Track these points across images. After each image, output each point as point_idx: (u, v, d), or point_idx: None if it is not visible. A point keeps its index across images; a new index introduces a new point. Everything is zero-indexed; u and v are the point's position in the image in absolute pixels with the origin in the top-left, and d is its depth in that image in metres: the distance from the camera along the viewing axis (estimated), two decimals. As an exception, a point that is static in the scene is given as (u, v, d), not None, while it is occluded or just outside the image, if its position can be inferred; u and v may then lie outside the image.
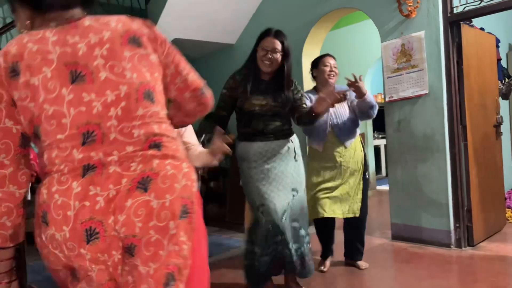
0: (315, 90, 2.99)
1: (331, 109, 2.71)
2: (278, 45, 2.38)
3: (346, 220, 2.98)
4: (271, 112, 2.40)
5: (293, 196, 2.42)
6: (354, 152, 2.89)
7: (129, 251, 1.00)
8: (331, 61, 2.94)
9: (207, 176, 4.80)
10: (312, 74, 3.02)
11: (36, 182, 2.59)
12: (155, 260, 1.00)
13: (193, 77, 1.26)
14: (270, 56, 2.37)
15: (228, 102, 2.43)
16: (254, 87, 2.38)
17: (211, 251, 3.57)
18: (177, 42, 5.03)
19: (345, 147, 2.86)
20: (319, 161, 2.90)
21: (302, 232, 2.43)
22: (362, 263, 2.96)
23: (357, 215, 2.89)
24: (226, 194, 4.58)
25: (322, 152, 2.87)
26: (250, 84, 2.38)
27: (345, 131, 2.86)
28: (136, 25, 1.09)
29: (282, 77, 2.42)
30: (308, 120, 2.41)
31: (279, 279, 2.55)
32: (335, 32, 6.59)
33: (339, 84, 2.97)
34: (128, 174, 0.99)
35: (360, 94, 2.70)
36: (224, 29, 4.90)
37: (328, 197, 2.86)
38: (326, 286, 2.67)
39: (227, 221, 4.43)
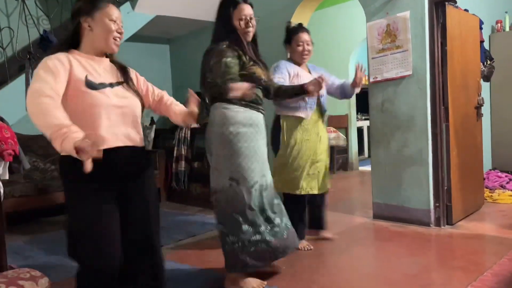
0: (291, 61, 2.93)
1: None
2: (252, 12, 2.31)
3: (312, 195, 2.94)
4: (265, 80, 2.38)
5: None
6: (325, 127, 2.98)
7: None
8: (306, 39, 2.86)
9: (190, 156, 4.77)
10: (285, 47, 2.98)
11: (14, 161, 2.54)
12: None
13: None
14: (251, 23, 2.29)
15: (236, 70, 2.26)
16: (245, 56, 2.30)
17: (195, 230, 3.59)
18: (160, 20, 4.91)
19: (323, 120, 2.93)
20: (304, 131, 2.82)
21: (282, 207, 2.49)
22: (328, 233, 3.08)
23: (327, 190, 2.99)
24: (209, 175, 4.56)
25: (308, 123, 2.82)
26: (248, 53, 2.31)
27: (325, 104, 2.95)
28: None
29: (256, 46, 2.40)
30: (295, 94, 2.41)
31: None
32: (320, 11, 6.55)
33: (314, 64, 3.06)
34: None
35: (358, 83, 2.90)
36: (209, 7, 4.79)
37: (308, 174, 2.85)
38: (308, 265, 2.71)
39: (211, 201, 4.43)
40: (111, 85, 1.66)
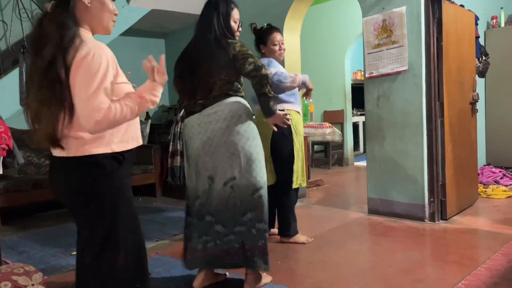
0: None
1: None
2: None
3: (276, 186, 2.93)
4: None
5: None
6: None
7: None
8: (281, 38, 2.92)
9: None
10: (258, 47, 2.95)
11: (8, 155, 2.52)
12: None
13: None
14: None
15: None
16: None
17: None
18: (155, 14, 4.88)
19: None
20: (301, 124, 2.95)
21: None
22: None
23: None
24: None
25: (300, 116, 2.95)
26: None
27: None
28: None
29: None
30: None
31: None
32: (317, 7, 6.53)
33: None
34: None
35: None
36: (204, 1, 4.77)
37: (300, 165, 2.95)
38: (302, 260, 2.71)
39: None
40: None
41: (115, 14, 1.56)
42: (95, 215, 1.47)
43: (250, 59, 2.12)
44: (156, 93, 1.49)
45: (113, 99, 1.38)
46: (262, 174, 2.17)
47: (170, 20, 5.25)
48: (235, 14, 2.31)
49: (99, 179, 1.45)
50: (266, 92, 2.15)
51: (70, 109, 1.36)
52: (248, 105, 2.23)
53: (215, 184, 2.15)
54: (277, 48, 2.88)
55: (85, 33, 1.44)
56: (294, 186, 2.92)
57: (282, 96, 2.82)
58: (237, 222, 2.14)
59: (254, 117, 2.34)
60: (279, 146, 2.85)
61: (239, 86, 2.24)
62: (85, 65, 1.33)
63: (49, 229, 3.69)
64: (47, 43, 1.34)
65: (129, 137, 1.51)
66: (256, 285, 2.22)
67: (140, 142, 1.57)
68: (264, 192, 2.16)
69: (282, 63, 3.00)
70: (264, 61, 2.82)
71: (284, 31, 4.27)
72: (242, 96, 2.24)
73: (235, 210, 2.14)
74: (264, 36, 2.92)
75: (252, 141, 2.17)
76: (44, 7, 1.46)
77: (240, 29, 2.34)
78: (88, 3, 1.46)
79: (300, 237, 2.97)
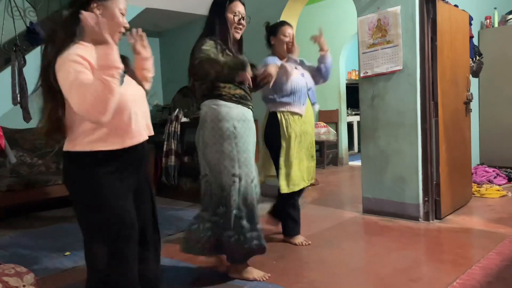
0: (275, 55, 2.92)
1: (305, 73, 2.91)
2: (245, 12, 2.36)
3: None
4: None
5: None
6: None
7: None
8: (292, 32, 2.90)
9: (180, 151, 4.74)
10: (268, 41, 2.95)
11: (0, 155, 2.48)
12: None
13: None
14: (243, 22, 2.33)
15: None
16: (230, 51, 2.29)
17: (185, 226, 3.56)
18: (149, 12, 4.85)
19: (312, 113, 2.96)
20: (301, 126, 2.83)
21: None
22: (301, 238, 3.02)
23: (313, 181, 2.98)
24: (199, 169, 4.54)
25: (303, 117, 2.84)
26: (231, 48, 2.30)
27: (314, 96, 2.96)
28: None
29: (241, 47, 2.41)
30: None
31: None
32: (312, 6, 6.53)
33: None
34: None
35: (323, 48, 2.89)
36: (199, 0, 4.75)
37: (301, 168, 2.86)
38: (297, 260, 2.71)
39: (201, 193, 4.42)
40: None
41: (125, 27, 1.61)
42: (73, 205, 1.61)
43: (197, 55, 2.11)
44: (109, 56, 1.43)
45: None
46: (227, 174, 2.23)
47: (164, 19, 5.22)
48: (235, 6, 2.30)
49: (76, 172, 1.55)
50: (212, 72, 2.10)
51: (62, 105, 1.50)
52: (219, 108, 2.22)
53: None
54: (287, 39, 2.86)
55: (79, 45, 1.51)
56: (283, 191, 2.78)
57: (276, 97, 2.79)
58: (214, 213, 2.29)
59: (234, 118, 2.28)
60: (268, 147, 2.89)
61: (218, 86, 2.23)
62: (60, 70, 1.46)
63: (41, 230, 3.66)
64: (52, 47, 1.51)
65: (109, 137, 1.53)
66: (238, 276, 2.36)
67: (125, 144, 1.56)
68: (230, 190, 2.23)
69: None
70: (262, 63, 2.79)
71: (279, 31, 4.26)
72: (224, 96, 2.22)
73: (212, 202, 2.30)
74: (275, 28, 2.92)
75: (212, 147, 2.24)
76: (63, 15, 1.59)
77: (242, 21, 2.32)
78: (99, 14, 1.53)
79: (297, 239, 2.96)
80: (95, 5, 1.55)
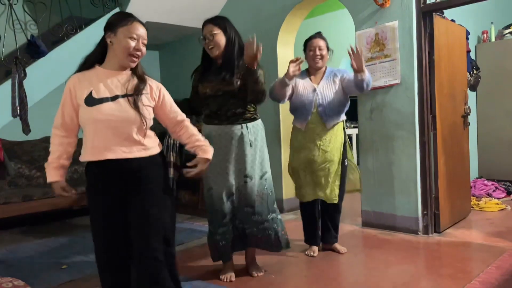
0: (306, 71, 2.97)
1: (317, 89, 2.87)
2: (213, 29, 2.44)
3: (323, 205, 3.00)
4: (221, 92, 2.44)
5: (245, 182, 2.48)
6: (335, 137, 2.87)
7: None
8: (317, 44, 2.91)
9: (179, 163, 4.73)
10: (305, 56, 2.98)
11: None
12: None
13: None
14: (207, 41, 2.45)
15: (196, 92, 2.60)
16: (207, 72, 2.52)
17: (184, 238, 3.55)
18: (149, 26, 4.90)
19: (326, 129, 2.83)
20: (300, 140, 2.91)
21: (257, 217, 2.50)
22: (338, 246, 3.03)
23: (336, 201, 2.91)
24: (198, 182, 4.53)
25: (304, 132, 2.88)
26: (202, 69, 2.56)
27: (329, 112, 2.84)
28: None
29: (231, 58, 2.46)
30: (252, 81, 2.37)
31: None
32: (310, 20, 6.58)
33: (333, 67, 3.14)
34: None
35: (359, 65, 2.66)
36: (199, 14, 4.79)
37: (307, 181, 2.91)
38: (296, 273, 2.69)
39: (200, 208, 4.40)
40: (115, 97, 1.71)
41: (137, 50, 1.74)
42: None
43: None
44: None
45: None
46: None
47: (164, 32, 5.27)
48: (203, 30, 2.51)
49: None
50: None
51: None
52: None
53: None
54: (311, 53, 2.89)
55: (91, 70, 1.79)
56: (300, 199, 3.02)
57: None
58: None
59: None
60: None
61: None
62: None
63: (39, 243, 3.63)
64: None
65: (90, 149, 1.75)
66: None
67: (101, 157, 1.71)
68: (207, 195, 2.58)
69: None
70: None
71: (278, 45, 4.31)
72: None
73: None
74: (304, 44, 2.97)
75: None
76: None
77: (207, 41, 2.45)
78: (110, 41, 1.75)
79: (311, 249, 3.03)
80: (108, 34, 1.76)
